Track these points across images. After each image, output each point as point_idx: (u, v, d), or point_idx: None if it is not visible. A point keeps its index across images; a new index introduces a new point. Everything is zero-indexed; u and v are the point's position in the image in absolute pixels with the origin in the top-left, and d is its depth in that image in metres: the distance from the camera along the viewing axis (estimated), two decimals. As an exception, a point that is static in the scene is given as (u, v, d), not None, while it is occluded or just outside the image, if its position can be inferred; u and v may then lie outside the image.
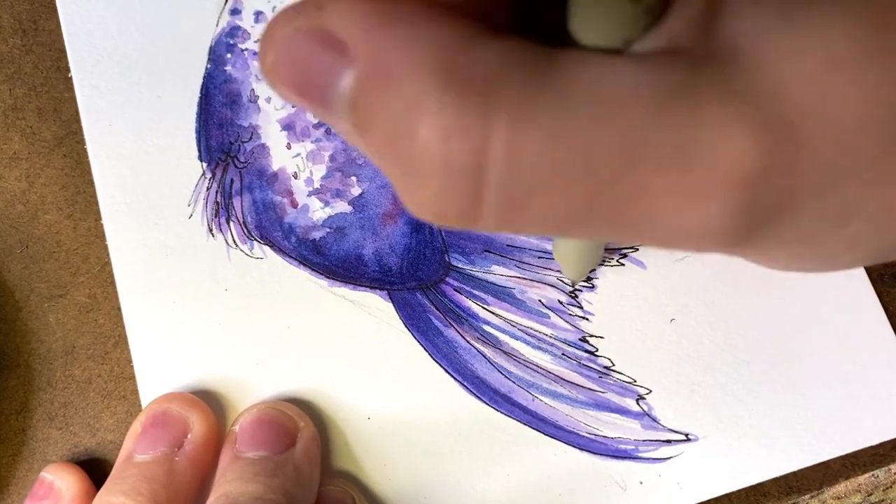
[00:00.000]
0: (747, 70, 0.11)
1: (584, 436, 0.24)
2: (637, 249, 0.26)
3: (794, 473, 0.24)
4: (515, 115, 0.10)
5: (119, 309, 0.25)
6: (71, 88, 0.27)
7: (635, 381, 0.25)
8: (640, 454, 0.24)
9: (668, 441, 0.24)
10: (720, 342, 0.25)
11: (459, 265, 0.26)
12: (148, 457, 0.22)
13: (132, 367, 0.25)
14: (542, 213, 0.11)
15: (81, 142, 0.27)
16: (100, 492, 0.22)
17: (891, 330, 0.25)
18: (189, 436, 0.22)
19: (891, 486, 0.25)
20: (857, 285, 0.25)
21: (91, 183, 0.26)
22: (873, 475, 0.25)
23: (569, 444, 0.24)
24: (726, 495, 0.24)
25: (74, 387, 0.25)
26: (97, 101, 0.27)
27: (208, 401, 0.24)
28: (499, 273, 0.26)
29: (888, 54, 0.11)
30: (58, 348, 0.25)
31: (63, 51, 0.27)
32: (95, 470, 0.24)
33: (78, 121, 0.27)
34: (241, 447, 0.22)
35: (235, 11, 0.28)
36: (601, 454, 0.24)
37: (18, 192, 0.26)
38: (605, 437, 0.24)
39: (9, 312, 0.25)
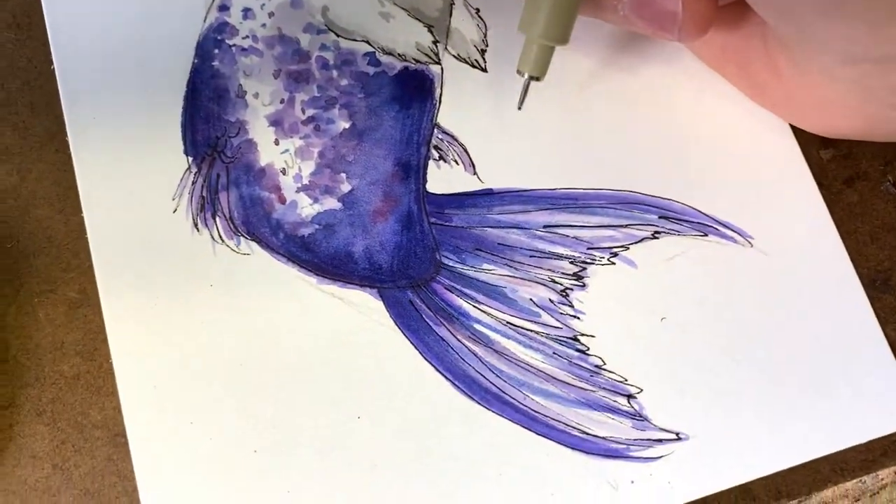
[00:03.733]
0: None
1: (575, 435, 0.24)
2: (627, 248, 0.26)
3: (782, 478, 0.24)
4: None
5: None
6: (65, 84, 0.27)
7: (626, 380, 0.24)
8: (631, 453, 0.24)
9: (660, 440, 0.24)
10: (710, 342, 0.25)
11: (451, 263, 0.25)
12: None
13: None
14: None
15: (75, 137, 0.26)
16: None
17: (880, 332, 0.25)
18: None
19: (878, 492, 0.25)
20: (847, 287, 0.25)
21: (82, 178, 0.26)
22: (861, 481, 0.25)
23: (560, 444, 0.24)
24: (715, 497, 0.24)
25: (63, 382, 0.24)
26: (81, 95, 0.26)
27: (191, 400, 0.23)
28: (490, 272, 0.25)
29: None
30: (46, 344, 0.25)
31: (56, 45, 0.27)
32: (82, 466, 0.24)
33: None
34: None
35: (223, 7, 0.27)
36: (593, 453, 0.24)
37: (10, 186, 0.26)
38: (596, 436, 0.24)
39: (-2, 307, 0.25)
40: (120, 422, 0.24)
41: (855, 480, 0.25)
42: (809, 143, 0.26)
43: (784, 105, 0.24)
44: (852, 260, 0.26)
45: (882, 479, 0.25)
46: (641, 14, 0.21)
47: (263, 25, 0.27)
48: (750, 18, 0.23)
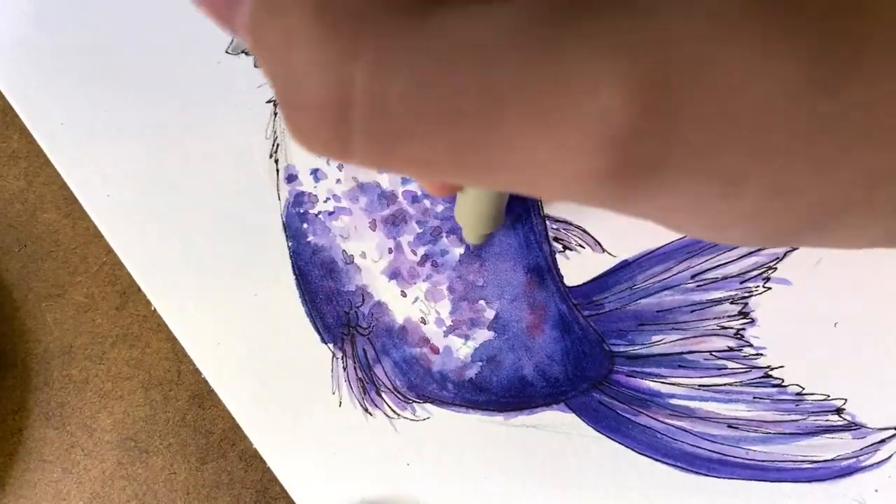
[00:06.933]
0: (637, 20, 0.10)
1: (806, 468, 0.24)
2: (775, 269, 0.26)
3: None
4: (381, 54, 0.10)
5: (116, 308, 0.25)
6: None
7: (829, 396, 0.25)
8: (862, 464, 0.24)
9: (882, 441, 0.24)
10: (885, 331, 0.25)
11: (621, 349, 0.25)
12: None
13: (129, 367, 0.25)
14: (408, 156, 0.11)
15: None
16: None
17: None
18: None
19: None
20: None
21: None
22: None
23: (796, 482, 0.24)
24: None
25: (71, 387, 0.25)
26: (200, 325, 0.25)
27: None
28: (661, 342, 0.25)
29: (785, 27, 0.10)
30: (55, 348, 0.25)
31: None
32: (92, 469, 0.24)
33: None
34: None
35: (291, 178, 0.26)
36: (828, 479, 0.24)
37: (17, 190, 0.26)
38: (824, 460, 0.24)
39: (6, 311, 0.25)
40: (128, 425, 0.24)
41: None
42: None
43: None
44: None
45: None
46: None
47: (338, 181, 0.26)
48: None
